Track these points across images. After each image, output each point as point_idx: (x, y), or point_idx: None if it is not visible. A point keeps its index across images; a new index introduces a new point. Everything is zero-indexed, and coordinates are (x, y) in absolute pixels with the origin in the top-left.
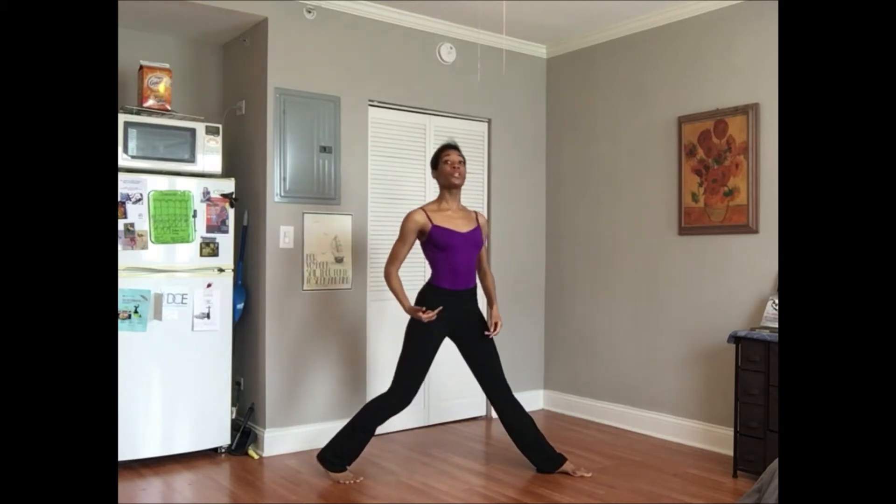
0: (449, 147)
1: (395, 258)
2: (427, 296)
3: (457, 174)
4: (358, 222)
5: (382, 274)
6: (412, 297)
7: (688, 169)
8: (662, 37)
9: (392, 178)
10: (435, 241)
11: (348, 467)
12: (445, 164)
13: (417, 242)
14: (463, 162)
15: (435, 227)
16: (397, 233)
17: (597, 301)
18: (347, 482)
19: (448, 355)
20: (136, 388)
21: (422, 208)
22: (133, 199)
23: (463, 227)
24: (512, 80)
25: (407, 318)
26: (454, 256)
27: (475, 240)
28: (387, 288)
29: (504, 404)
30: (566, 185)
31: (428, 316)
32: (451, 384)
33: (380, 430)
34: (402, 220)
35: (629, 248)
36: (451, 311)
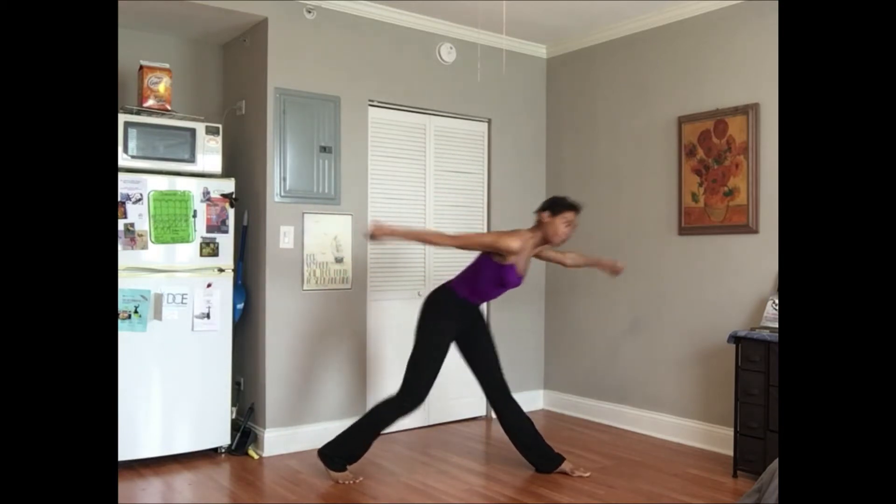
0: (576, 209)
1: (467, 241)
2: (445, 299)
3: (561, 235)
4: (358, 222)
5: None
6: (417, 294)
7: (688, 169)
8: (662, 37)
9: (392, 178)
10: (500, 272)
11: (349, 467)
12: (563, 219)
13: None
14: (574, 228)
15: (512, 265)
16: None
17: (597, 301)
18: (347, 482)
19: (448, 355)
20: (136, 388)
21: (521, 239)
22: (133, 199)
23: (522, 270)
24: (512, 80)
25: (414, 319)
26: (499, 289)
27: (518, 283)
28: (386, 289)
29: (504, 407)
30: (566, 185)
31: (375, 233)
32: (451, 384)
33: None
34: (503, 233)
35: (629, 248)
36: (464, 317)
